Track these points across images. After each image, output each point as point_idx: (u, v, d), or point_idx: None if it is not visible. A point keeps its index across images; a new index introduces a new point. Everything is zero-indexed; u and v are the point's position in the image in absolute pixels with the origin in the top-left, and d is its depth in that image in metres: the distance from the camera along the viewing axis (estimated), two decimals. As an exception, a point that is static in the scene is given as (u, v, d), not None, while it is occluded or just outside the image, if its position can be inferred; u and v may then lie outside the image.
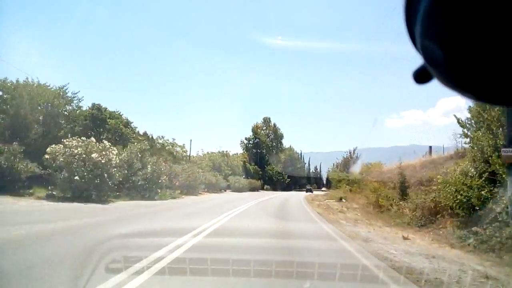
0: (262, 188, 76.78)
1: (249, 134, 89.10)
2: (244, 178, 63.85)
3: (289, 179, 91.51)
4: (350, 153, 51.15)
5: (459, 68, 0.78)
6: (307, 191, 72.84)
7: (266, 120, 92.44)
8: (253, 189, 63.60)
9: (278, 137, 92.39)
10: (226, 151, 62.14)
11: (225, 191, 47.88)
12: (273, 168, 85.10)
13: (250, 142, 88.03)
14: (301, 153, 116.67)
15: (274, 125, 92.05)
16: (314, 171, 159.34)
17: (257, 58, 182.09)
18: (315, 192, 77.29)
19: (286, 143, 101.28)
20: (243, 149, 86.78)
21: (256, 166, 79.47)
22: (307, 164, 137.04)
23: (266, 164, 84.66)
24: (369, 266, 6.13)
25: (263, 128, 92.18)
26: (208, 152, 58.10)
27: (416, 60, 0.84)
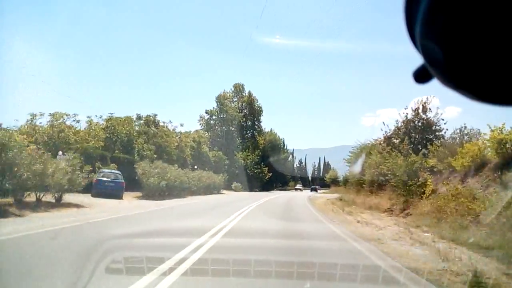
0: (230, 187, 48.00)
1: (213, 106, 59.66)
2: (195, 169, 34.87)
3: (270, 174, 63.16)
4: (423, 103, 22.25)
5: (458, 68, 0.77)
6: (311, 190, 66.43)
7: (238, 88, 63.32)
8: (211, 189, 34.90)
9: (255, 112, 63.47)
10: (154, 116, 32.12)
11: (124, 199, 18.55)
12: (248, 156, 56.28)
13: (213, 117, 58.71)
14: (283, 141, 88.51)
15: (250, 94, 63.00)
16: (298, 165, 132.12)
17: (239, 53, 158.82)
18: (318, 194, 49.97)
19: (266, 124, 73.50)
20: (202, 128, 57.54)
21: (220, 153, 50.51)
22: (291, 157, 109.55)
23: (236, 150, 55.77)
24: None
25: (233, 100, 63.17)
26: (111, 116, 28.29)
27: (416, 59, 0.83)
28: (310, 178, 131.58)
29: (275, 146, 77.56)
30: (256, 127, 64.29)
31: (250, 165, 55.39)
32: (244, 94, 62.65)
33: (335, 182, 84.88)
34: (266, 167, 62.98)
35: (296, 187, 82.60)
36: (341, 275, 4.74)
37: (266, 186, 64.94)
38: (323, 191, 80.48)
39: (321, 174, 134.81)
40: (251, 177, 56.64)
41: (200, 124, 59.00)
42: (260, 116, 64.29)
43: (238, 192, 46.07)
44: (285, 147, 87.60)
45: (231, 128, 56.39)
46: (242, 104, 62.60)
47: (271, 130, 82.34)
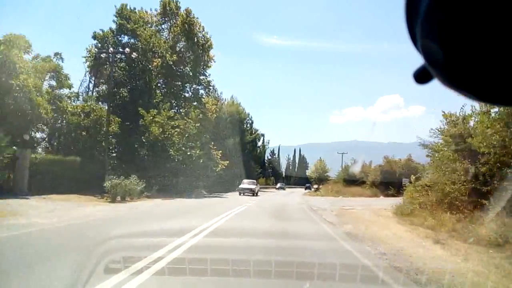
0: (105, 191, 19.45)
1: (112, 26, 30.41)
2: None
3: (226, 162, 34.96)
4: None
5: (459, 68, 0.78)
6: (306, 189, 62.96)
7: (169, 8, 34.41)
8: None
9: (197, 48, 34.41)
10: None
11: None
12: (173, 118, 27.66)
13: (108, 48, 29.48)
14: (251, 119, 60.00)
15: (188, 14, 34.02)
16: (270, 157, 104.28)
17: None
18: (319, 202, 22.25)
19: (226, 90, 44.87)
20: (88, 75, 28.62)
21: (101, 108, 21.91)
22: (261, 141, 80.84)
23: (147, 108, 27.08)
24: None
25: (161, 28, 34.51)
26: None
27: (417, 59, 0.84)
28: (284, 174, 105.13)
29: (237, 121, 49.41)
30: (202, 79, 35.66)
31: (179, 140, 26.76)
32: (180, 14, 33.80)
33: (323, 179, 60.46)
34: (219, 151, 34.91)
35: (243, 185, 35.17)
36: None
37: (220, 184, 36.96)
38: (308, 191, 57.04)
39: (296, 170, 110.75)
40: (188, 167, 28.08)
41: (87, 64, 29.75)
42: (208, 59, 35.52)
43: (116, 205, 17.48)
44: (253, 125, 59.58)
45: (141, 64, 27.14)
46: (176, 34, 33.83)
47: (232, 99, 54.30)
